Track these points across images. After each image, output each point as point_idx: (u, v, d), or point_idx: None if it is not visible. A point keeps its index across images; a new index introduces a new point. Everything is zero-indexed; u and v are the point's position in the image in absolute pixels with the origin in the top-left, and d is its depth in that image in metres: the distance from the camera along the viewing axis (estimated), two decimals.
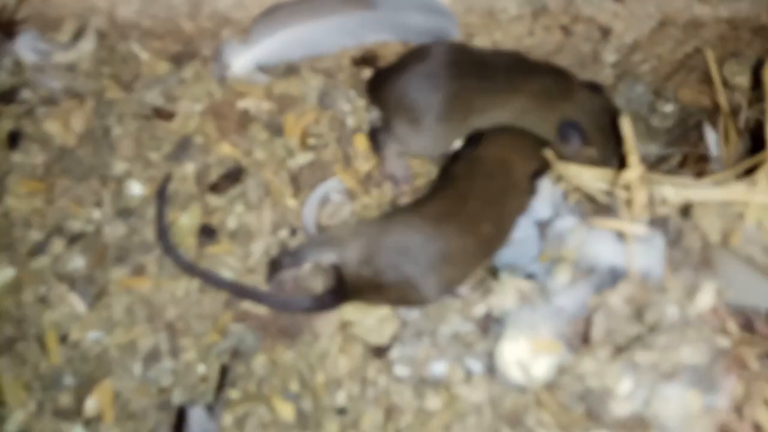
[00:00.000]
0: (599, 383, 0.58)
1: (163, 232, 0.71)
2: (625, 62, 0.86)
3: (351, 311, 0.71)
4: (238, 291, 0.73)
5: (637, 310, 0.60)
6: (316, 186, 0.81)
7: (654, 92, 0.93)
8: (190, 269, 0.72)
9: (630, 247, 0.61)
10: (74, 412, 0.71)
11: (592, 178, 0.70)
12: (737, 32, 0.85)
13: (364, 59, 0.85)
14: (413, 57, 0.75)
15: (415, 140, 0.76)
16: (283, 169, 0.82)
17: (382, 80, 0.77)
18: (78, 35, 0.74)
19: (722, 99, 0.83)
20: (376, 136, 0.80)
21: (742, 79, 0.89)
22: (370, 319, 0.69)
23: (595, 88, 0.79)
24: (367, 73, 0.86)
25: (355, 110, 0.86)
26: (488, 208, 0.71)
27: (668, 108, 0.94)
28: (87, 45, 0.71)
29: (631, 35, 0.83)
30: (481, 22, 0.78)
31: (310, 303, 0.71)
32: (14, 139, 0.76)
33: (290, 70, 0.84)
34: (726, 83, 0.88)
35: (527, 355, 0.62)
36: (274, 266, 0.74)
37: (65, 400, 0.72)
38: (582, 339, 0.63)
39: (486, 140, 0.74)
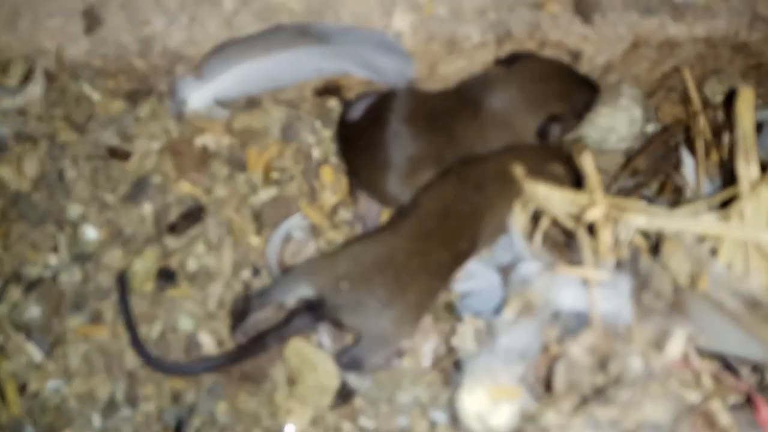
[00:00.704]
0: None
1: (131, 328, 0.69)
2: (599, 83, 0.83)
3: (299, 366, 0.68)
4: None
5: (600, 360, 0.57)
6: (280, 223, 0.78)
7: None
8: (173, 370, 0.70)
9: (593, 293, 0.58)
10: None
11: (561, 201, 0.67)
12: (716, 50, 0.81)
13: (327, 89, 0.82)
14: (376, 112, 0.72)
15: (383, 195, 0.74)
16: (246, 206, 0.79)
17: (348, 137, 0.75)
18: (26, 78, 0.71)
19: (701, 120, 0.80)
20: (350, 179, 0.77)
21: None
22: (311, 382, 0.67)
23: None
24: (331, 103, 0.84)
25: (321, 141, 0.83)
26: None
27: (648, 128, 0.91)
28: (35, 89, 0.69)
29: (603, 57, 0.79)
30: (444, 50, 0.75)
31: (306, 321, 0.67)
32: None
33: (251, 103, 0.82)
34: (707, 103, 0.85)
35: (486, 405, 0.60)
36: (238, 315, 0.72)
37: None
38: (544, 385, 0.61)
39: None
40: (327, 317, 0.67)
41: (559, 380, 0.57)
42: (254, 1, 0.72)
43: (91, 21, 0.71)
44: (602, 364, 0.57)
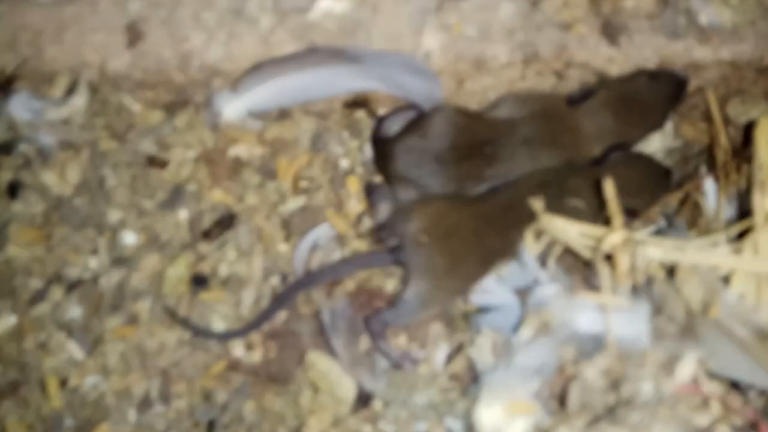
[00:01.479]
0: None
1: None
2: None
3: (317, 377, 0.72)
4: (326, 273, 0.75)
5: (613, 382, 0.60)
6: (307, 231, 0.82)
7: None
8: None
9: (609, 318, 0.61)
10: None
11: (578, 233, 0.69)
12: (741, 72, 0.82)
13: (356, 102, 0.85)
14: (415, 131, 0.75)
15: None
16: (275, 214, 0.83)
17: (386, 153, 0.78)
18: (71, 89, 0.75)
19: (722, 142, 0.81)
20: (371, 191, 0.80)
21: (749, 117, 0.86)
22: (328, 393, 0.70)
23: None
24: (359, 114, 0.86)
25: (348, 152, 0.86)
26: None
27: (673, 144, 0.92)
28: (79, 100, 0.73)
29: None
30: (472, 68, 0.77)
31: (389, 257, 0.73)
32: (14, 190, 0.78)
33: (282, 114, 0.85)
34: (729, 122, 0.86)
35: (503, 419, 0.63)
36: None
37: None
38: (558, 402, 0.64)
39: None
40: (401, 260, 0.73)
41: (573, 399, 0.60)
42: (290, 19, 0.74)
43: (133, 36, 0.74)
44: (615, 385, 0.60)
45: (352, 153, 0.86)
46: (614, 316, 0.61)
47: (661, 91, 0.77)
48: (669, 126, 0.85)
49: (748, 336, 0.60)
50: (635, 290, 0.65)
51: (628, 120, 0.79)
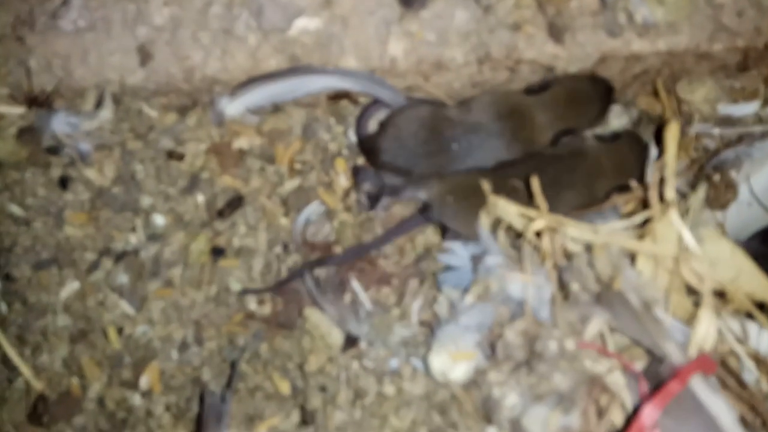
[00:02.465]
0: (498, 392, 0.78)
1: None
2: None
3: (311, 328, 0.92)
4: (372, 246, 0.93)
5: (530, 340, 0.78)
6: (303, 207, 0.99)
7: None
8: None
9: (527, 292, 0.78)
10: (133, 385, 0.99)
11: (516, 213, 0.84)
12: (681, 58, 0.91)
13: (338, 95, 0.98)
14: (393, 130, 0.90)
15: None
16: (275, 194, 1.00)
17: (370, 149, 0.93)
18: (99, 102, 0.91)
19: (668, 111, 0.92)
20: (357, 173, 0.96)
21: (695, 96, 0.96)
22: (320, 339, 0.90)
23: None
24: (343, 103, 1.00)
25: (335, 137, 1.01)
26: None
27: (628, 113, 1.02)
28: (106, 112, 0.89)
29: (574, 68, 0.91)
30: (433, 70, 0.89)
31: (421, 219, 0.91)
32: (64, 183, 0.97)
33: (276, 108, 0.99)
34: (680, 101, 0.96)
35: (449, 364, 0.82)
36: (373, 198, 0.94)
37: (127, 374, 0.99)
38: (492, 351, 0.82)
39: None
40: (433, 218, 0.90)
41: (499, 352, 0.79)
42: (273, 37, 0.87)
43: (144, 56, 0.88)
44: (531, 343, 0.78)
45: (339, 138, 1.01)
46: (530, 289, 0.78)
47: (598, 92, 0.88)
48: (624, 120, 0.96)
49: (639, 306, 0.76)
50: (557, 266, 0.81)
51: (575, 111, 0.90)
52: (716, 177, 0.92)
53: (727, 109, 0.95)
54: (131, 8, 0.87)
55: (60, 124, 0.89)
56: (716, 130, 0.94)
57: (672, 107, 0.93)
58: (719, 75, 0.94)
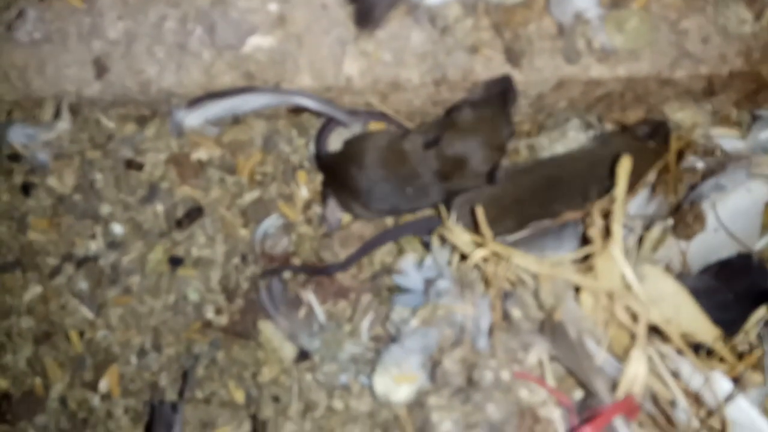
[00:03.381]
0: (437, 417, 0.79)
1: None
2: (539, 102, 0.94)
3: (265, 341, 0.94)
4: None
5: (469, 368, 0.79)
6: (262, 219, 1.00)
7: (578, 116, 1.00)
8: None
9: (466, 321, 0.78)
10: (94, 386, 1.01)
11: (468, 242, 0.85)
12: (644, 83, 0.90)
13: (298, 108, 0.98)
14: (352, 160, 0.89)
15: (362, 212, 0.92)
16: (235, 206, 1.00)
17: (330, 168, 0.92)
18: (57, 113, 0.91)
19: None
20: (324, 191, 0.96)
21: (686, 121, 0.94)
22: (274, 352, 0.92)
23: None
24: (305, 116, 1.00)
25: (296, 149, 1.01)
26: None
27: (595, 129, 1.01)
28: (64, 124, 0.89)
29: (534, 91, 0.90)
30: (389, 89, 0.89)
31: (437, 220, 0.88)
32: (26, 189, 0.98)
33: (237, 120, 0.99)
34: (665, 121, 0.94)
35: (392, 386, 0.84)
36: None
37: (88, 376, 1.02)
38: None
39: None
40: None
41: (440, 378, 0.80)
42: (227, 53, 0.87)
43: (100, 69, 0.88)
44: (470, 370, 0.79)
45: (300, 150, 1.01)
46: (469, 318, 0.78)
47: (496, 101, 0.85)
48: (583, 137, 0.95)
49: (576, 338, 0.76)
50: (505, 294, 0.82)
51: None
52: (686, 207, 0.91)
53: (720, 140, 0.93)
54: (86, 21, 0.87)
55: (17, 135, 0.89)
56: (700, 164, 0.93)
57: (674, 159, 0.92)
58: (685, 99, 0.93)
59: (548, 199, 0.88)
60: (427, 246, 0.93)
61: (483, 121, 0.84)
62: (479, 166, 0.83)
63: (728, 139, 0.93)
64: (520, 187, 0.88)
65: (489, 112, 0.84)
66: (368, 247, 0.94)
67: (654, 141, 0.91)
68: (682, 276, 0.87)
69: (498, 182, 0.85)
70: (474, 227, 0.84)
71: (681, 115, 0.94)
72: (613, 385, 0.72)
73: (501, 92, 0.85)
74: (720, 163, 0.93)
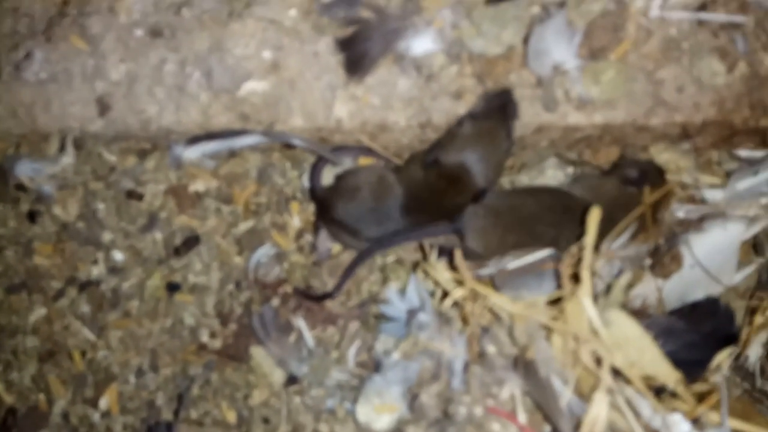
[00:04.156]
0: None
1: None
2: (520, 142, 0.98)
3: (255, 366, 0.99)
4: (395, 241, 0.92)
5: (444, 401, 0.84)
6: (256, 247, 1.05)
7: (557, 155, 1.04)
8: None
9: (443, 359, 0.83)
10: (96, 404, 1.07)
11: (449, 279, 0.89)
12: (620, 128, 0.94)
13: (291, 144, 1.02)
14: (345, 196, 0.92)
15: (352, 243, 0.96)
16: (230, 234, 1.05)
17: (323, 201, 0.95)
18: (61, 147, 0.96)
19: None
20: (316, 222, 1.00)
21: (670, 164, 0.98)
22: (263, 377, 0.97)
23: None
24: (298, 150, 1.04)
25: (289, 181, 1.06)
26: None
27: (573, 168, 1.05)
28: (68, 158, 0.95)
29: (515, 134, 0.94)
30: (377, 131, 0.93)
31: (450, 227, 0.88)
32: (32, 217, 1.04)
33: (232, 153, 1.04)
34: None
35: (373, 416, 0.89)
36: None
37: (89, 393, 1.07)
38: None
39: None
40: (458, 227, 0.87)
41: (417, 410, 0.85)
42: (223, 96, 0.91)
43: (103, 107, 0.93)
44: (446, 404, 0.83)
45: (293, 182, 1.06)
46: (446, 356, 0.83)
47: (497, 113, 0.87)
48: (561, 175, 0.99)
49: (545, 378, 0.81)
50: (484, 330, 0.86)
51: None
52: (664, 248, 0.95)
53: (702, 189, 0.96)
54: (90, 63, 0.92)
55: (24, 169, 0.95)
56: (681, 213, 0.95)
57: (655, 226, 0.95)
58: (662, 144, 0.96)
59: (558, 222, 0.89)
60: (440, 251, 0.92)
61: (483, 134, 0.86)
62: (478, 178, 0.86)
63: (709, 190, 0.96)
64: (537, 202, 0.89)
65: (489, 125, 0.87)
66: (369, 251, 0.95)
67: (644, 184, 0.92)
68: (653, 316, 0.91)
69: (487, 199, 0.87)
70: (484, 236, 0.87)
71: (666, 156, 0.97)
72: (577, 425, 0.76)
73: (501, 105, 0.87)
74: (701, 215, 0.96)
